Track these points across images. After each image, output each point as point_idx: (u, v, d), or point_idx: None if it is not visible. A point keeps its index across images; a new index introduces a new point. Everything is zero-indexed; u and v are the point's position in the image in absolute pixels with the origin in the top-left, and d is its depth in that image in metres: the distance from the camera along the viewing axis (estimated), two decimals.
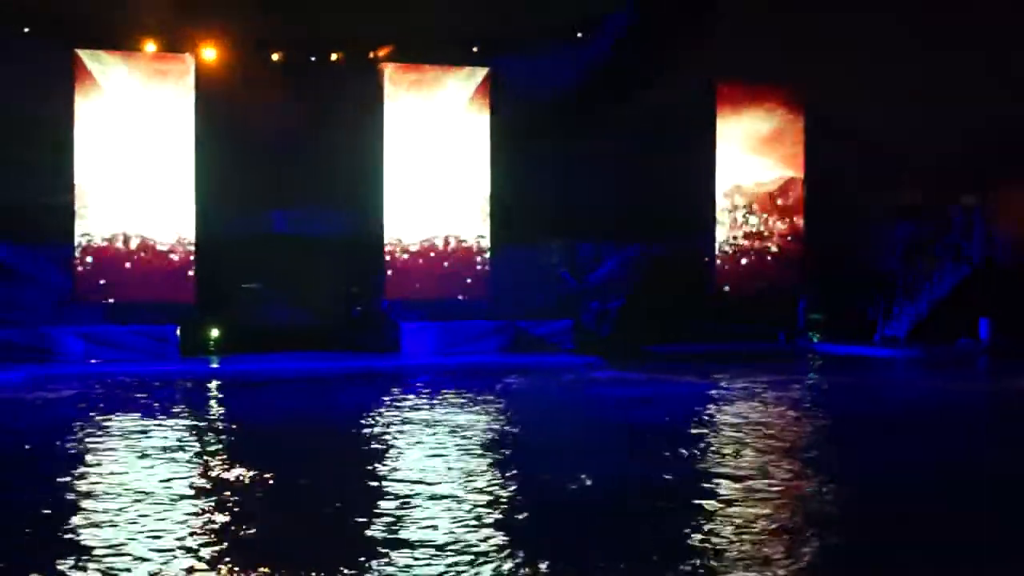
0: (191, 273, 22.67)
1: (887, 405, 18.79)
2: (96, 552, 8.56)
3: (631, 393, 18.92)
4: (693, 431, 14.97)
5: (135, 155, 22.29)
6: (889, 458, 12.97)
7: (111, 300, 22.65)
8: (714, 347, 24.46)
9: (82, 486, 11.12)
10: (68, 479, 11.44)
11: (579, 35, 24.96)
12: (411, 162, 23.61)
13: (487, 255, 23.90)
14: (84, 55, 22.05)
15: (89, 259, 22.14)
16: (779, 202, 25.78)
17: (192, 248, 22.66)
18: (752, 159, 25.56)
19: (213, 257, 23.66)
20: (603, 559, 8.46)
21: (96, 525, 9.50)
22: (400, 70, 23.67)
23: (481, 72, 23.88)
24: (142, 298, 22.62)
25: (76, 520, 9.66)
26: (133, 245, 22.28)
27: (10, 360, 21.33)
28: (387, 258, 23.56)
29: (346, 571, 8.05)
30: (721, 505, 10.21)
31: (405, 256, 23.62)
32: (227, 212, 23.95)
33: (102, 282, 22.24)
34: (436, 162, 23.68)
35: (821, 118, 25.37)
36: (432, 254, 23.72)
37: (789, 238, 25.81)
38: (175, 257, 22.51)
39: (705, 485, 11.12)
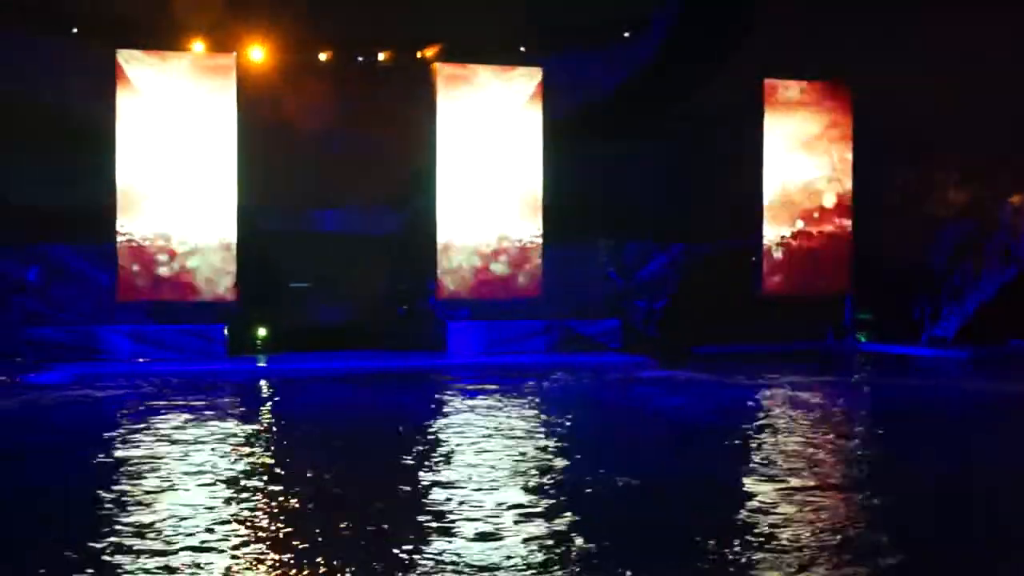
0: (233, 273, 22.53)
1: (937, 405, 18.58)
2: (139, 548, 8.57)
3: (678, 392, 18.86)
4: (741, 431, 14.85)
5: (176, 155, 22.27)
6: (939, 460, 12.83)
7: (153, 300, 22.59)
8: (761, 347, 24.28)
9: (128, 481, 11.17)
10: (115, 474, 11.49)
11: (626, 35, 24.87)
12: (463, 161, 23.51)
13: (540, 254, 23.76)
14: (125, 55, 22.08)
15: (131, 259, 22.10)
16: (826, 201, 25.60)
17: (233, 248, 22.49)
18: (799, 157, 25.39)
19: (260, 256, 23.70)
20: (645, 558, 8.40)
21: (139, 520, 9.56)
22: (453, 70, 23.60)
23: (534, 72, 23.80)
24: (184, 298, 22.56)
25: (121, 516, 9.71)
26: (175, 245, 22.22)
27: (59, 359, 21.40)
28: (439, 257, 23.39)
29: (393, 567, 8.05)
30: (771, 504, 10.12)
31: (457, 255, 23.47)
32: (274, 211, 24.04)
33: (144, 282, 22.17)
34: (489, 162, 23.58)
35: (869, 116, 25.16)
36: (485, 253, 23.61)
37: (836, 237, 25.62)
38: (217, 257, 22.42)
39: (753, 485, 11.05)
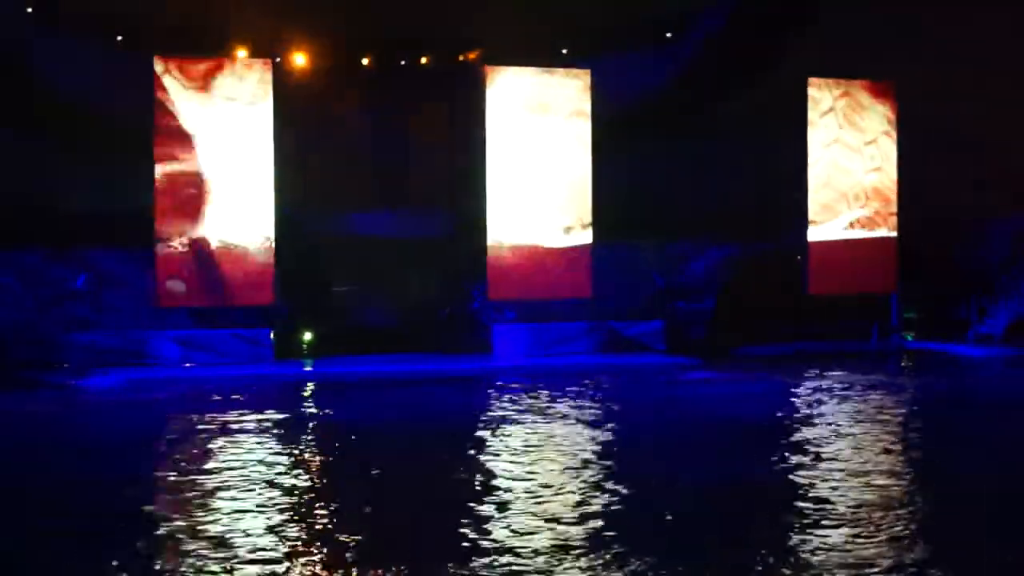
0: (272, 276, 22.58)
1: (989, 402, 18.44)
2: (187, 545, 8.72)
3: (724, 393, 18.83)
4: (787, 430, 14.82)
5: (215, 161, 22.31)
6: (992, 459, 12.71)
7: (194, 305, 22.68)
8: (806, 347, 24.20)
9: (178, 481, 11.29)
10: (164, 475, 11.57)
11: (668, 35, 24.81)
12: (512, 163, 23.47)
13: (589, 256, 23.71)
14: (163, 61, 22.12)
15: (170, 265, 22.14)
16: (871, 200, 25.46)
17: (273, 251, 22.55)
18: (844, 157, 25.25)
19: (305, 260, 23.81)
20: (694, 558, 8.39)
21: (197, 522, 9.67)
22: (503, 72, 23.57)
23: (582, 74, 23.77)
24: (224, 303, 22.64)
25: (167, 513, 9.87)
26: (214, 250, 22.30)
27: (106, 364, 21.55)
28: (488, 259, 23.37)
29: (444, 569, 8.05)
30: (819, 503, 10.13)
31: (507, 257, 23.46)
32: (319, 215, 24.13)
33: (184, 287, 22.23)
34: (538, 163, 23.54)
35: (916, 114, 24.98)
36: (535, 255, 23.57)
37: (882, 236, 25.45)
38: (257, 261, 22.50)
39: (799, 484, 11.04)
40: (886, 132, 25.48)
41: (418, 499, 10.72)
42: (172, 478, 11.68)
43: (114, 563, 8.36)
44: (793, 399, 18.08)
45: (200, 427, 15.18)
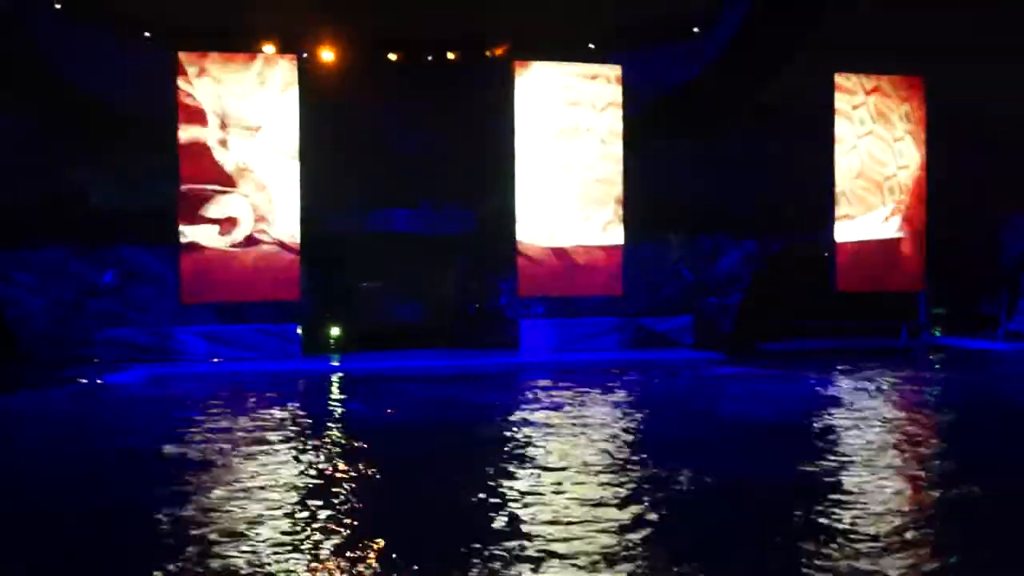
0: (298, 273, 22.55)
1: (1016, 399, 18.33)
2: (216, 544, 8.63)
3: (751, 388, 18.69)
4: (814, 426, 14.74)
5: (238, 157, 22.26)
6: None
7: (218, 301, 22.67)
8: (835, 343, 24.15)
9: (206, 479, 11.26)
10: (192, 473, 11.61)
11: (695, 30, 24.76)
12: (542, 159, 23.41)
13: (620, 252, 23.65)
14: (187, 57, 22.11)
15: (194, 261, 22.12)
16: (899, 196, 25.34)
17: (298, 248, 22.51)
18: (872, 152, 25.13)
19: (332, 257, 23.82)
20: (719, 553, 8.38)
21: (217, 511, 9.74)
22: (532, 67, 23.49)
23: (613, 69, 23.71)
24: (248, 299, 22.62)
25: (194, 512, 9.81)
26: (238, 246, 22.24)
27: (135, 359, 21.59)
28: (519, 256, 23.31)
29: (468, 565, 8.02)
30: (846, 499, 10.08)
31: (537, 253, 23.39)
32: (347, 212, 24.13)
33: (208, 284, 22.21)
34: (568, 159, 23.47)
35: (945, 110, 24.87)
36: (565, 251, 23.49)
37: (911, 232, 25.32)
38: (283, 257, 22.45)
39: (826, 480, 11.01)
40: (914, 128, 25.34)
41: (441, 497, 10.66)
42: (200, 472, 11.67)
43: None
44: (812, 394, 18.00)
45: (228, 422, 15.14)
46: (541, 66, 23.54)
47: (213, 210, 22.20)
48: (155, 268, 23.08)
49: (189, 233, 22.12)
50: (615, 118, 23.68)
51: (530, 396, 18.03)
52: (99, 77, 22.89)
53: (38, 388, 19.07)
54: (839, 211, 24.83)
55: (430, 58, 24.62)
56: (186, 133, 22.10)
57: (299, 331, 22.80)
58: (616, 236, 23.67)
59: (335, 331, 23.81)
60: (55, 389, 19.08)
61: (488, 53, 24.65)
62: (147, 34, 23.31)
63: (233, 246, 22.25)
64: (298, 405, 17.56)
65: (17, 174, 22.54)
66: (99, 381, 20.02)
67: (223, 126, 22.19)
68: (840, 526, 9.13)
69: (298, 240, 22.51)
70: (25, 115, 22.93)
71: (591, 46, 24.36)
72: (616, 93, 23.67)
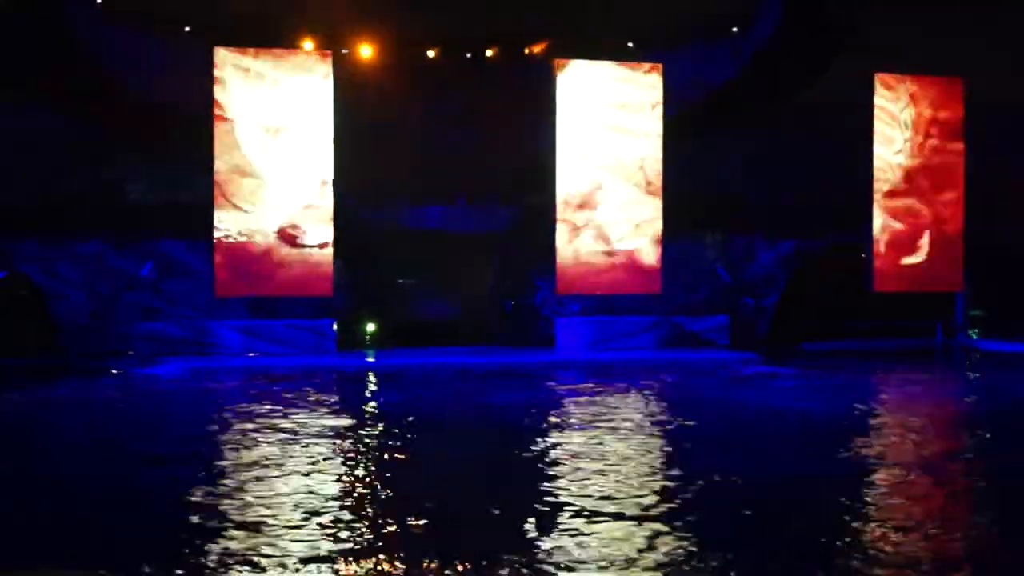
0: (332, 268, 22.57)
1: None
2: (241, 541, 8.63)
3: (787, 389, 18.62)
4: (849, 427, 14.67)
5: (273, 152, 22.29)
6: None
7: (251, 296, 22.72)
8: (871, 344, 24.06)
9: (237, 472, 11.32)
10: (223, 464, 11.75)
11: (734, 29, 24.71)
12: (582, 157, 23.37)
13: (659, 251, 23.60)
14: (224, 52, 22.18)
15: (228, 255, 22.19)
16: (939, 196, 25.17)
17: (332, 244, 22.53)
18: (911, 152, 24.99)
19: (368, 253, 23.88)
20: (759, 556, 8.30)
21: (247, 505, 9.76)
22: (572, 65, 23.46)
23: (652, 68, 23.65)
24: (281, 294, 22.65)
25: (223, 503, 9.86)
26: (272, 241, 22.27)
27: (171, 353, 21.68)
28: (557, 254, 23.28)
29: (507, 562, 7.99)
30: (878, 503, 10.04)
31: (575, 251, 23.35)
32: (383, 208, 24.19)
33: (242, 278, 22.27)
34: (608, 157, 23.41)
35: (983, 111, 24.72)
36: (604, 250, 23.45)
37: (948, 233, 25.16)
38: (317, 253, 22.46)
39: (862, 482, 10.94)
40: (953, 128, 25.18)
41: (478, 491, 10.67)
42: (233, 463, 11.73)
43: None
44: (848, 396, 17.89)
45: (263, 415, 15.19)
46: (581, 64, 23.50)
47: (247, 205, 22.23)
48: (192, 262, 23.18)
49: (223, 227, 22.15)
50: (655, 117, 23.61)
51: (565, 393, 18.03)
52: (138, 72, 22.99)
53: (80, 379, 19.22)
54: (877, 211, 24.71)
55: (468, 55, 24.62)
56: (222, 128, 22.15)
57: (335, 327, 22.84)
58: (655, 235, 23.61)
59: (370, 327, 23.86)
60: (97, 380, 19.24)
61: (526, 51, 24.64)
62: (186, 29, 23.34)
63: (266, 241, 22.27)
64: (336, 399, 17.63)
65: (59, 169, 22.70)
66: (138, 373, 20.17)
67: (259, 121, 22.23)
68: (870, 526, 9.10)
69: (331, 236, 22.52)
70: (66, 110, 23.02)
71: (629, 45, 24.29)
72: (656, 92, 23.59)
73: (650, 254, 23.57)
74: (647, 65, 23.69)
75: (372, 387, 19.38)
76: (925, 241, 24.93)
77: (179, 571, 7.76)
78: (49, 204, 22.54)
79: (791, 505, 10.04)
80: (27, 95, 22.57)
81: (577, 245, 23.29)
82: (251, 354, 22.27)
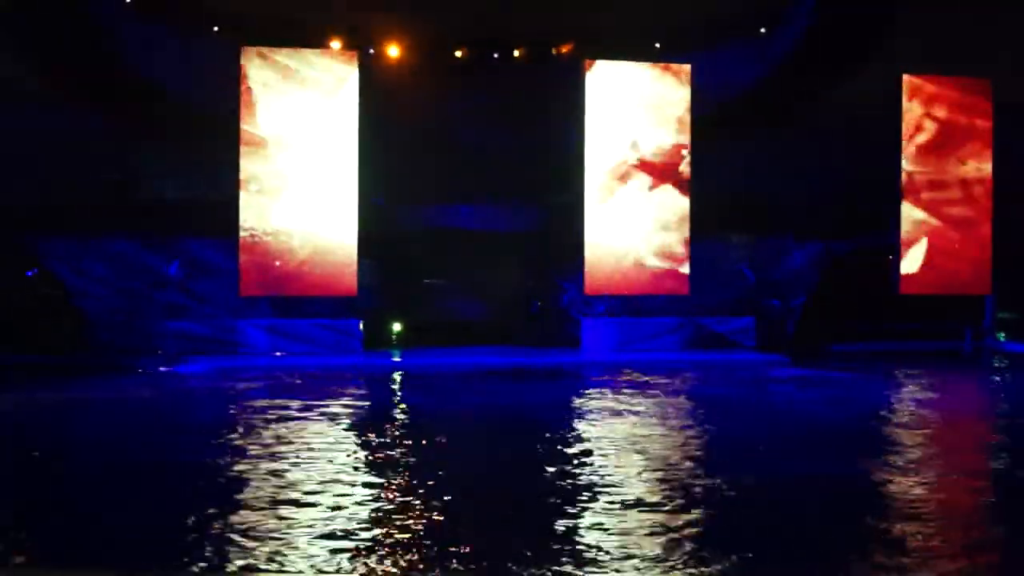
0: (354, 267, 22.58)
1: None
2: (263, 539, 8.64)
3: (815, 391, 18.57)
4: (875, 429, 14.65)
5: (298, 151, 22.36)
6: None
7: (275, 294, 22.74)
8: (898, 346, 23.96)
9: (262, 465, 11.38)
10: (252, 456, 11.83)
11: (762, 30, 24.62)
12: (611, 157, 23.38)
13: (687, 252, 23.57)
14: (250, 51, 22.25)
15: (253, 254, 22.26)
16: (966, 198, 25.05)
17: (356, 243, 22.55)
18: (939, 154, 24.88)
19: (395, 252, 23.91)
20: (776, 556, 8.31)
21: (276, 500, 9.82)
22: (600, 65, 23.45)
23: (680, 68, 23.60)
24: (306, 293, 22.67)
25: (248, 501, 9.89)
26: (296, 240, 22.32)
27: (197, 351, 21.74)
28: (586, 254, 23.26)
29: (527, 563, 7.99)
30: (905, 505, 10.00)
31: (604, 252, 23.33)
32: (408, 208, 24.22)
33: (266, 277, 22.31)
34: (637, 157, 23.40)
35: (1014, 112, 24.60)
36: (632, 250, 23.42)
37: (976, 235, 25.05)
38: (341, 252, 22.49)
39: (886, 484, 10.88)
40: (982, 129, 25.06)
41: (502, 491, 10.67)
42: (257, 462, 11.76)
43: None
44: (874, 398, 17.90)
45: (288, 413, 15.26)
46: (609, 64, 23.48)
47: (272, 204, 22.27)
48: (218, 261, 23.23)
49: (248, 226, 22.22)
50: (683, 117, 23.58)
51: (591, 394, 18.01)
52: (167, 70, 23.08)
53: (108, 377, 19.31)
54: (905, 213, 24.62)
55: (496, 55, 24.60)
56: (248, 126, 22.19)
57: (361, 326, 22.86)
58: (683, 236, 23.56)
59: (396, 327, 23.89)
60: (125, 379, 19.34)
61: (554, 51, 24.61)
62: (215, 28, 23.40)
63: (291, 241, 22.31)
64: (361, 398, 17.71)
65: (88, 166, 22.76)
66: (165, 372, 20.26)
67: (285, 120, 22.28)
68: (899, 529, 9.06)
69: (355, 235, 22.53)
70: (95, 108, 23.10)
71: (656, 45, 24.23)
72: (685, 92, 23.57)
73: (679, 255, 23.53)
74: (675, 65, 23.65)
75: (398, 386, 19.39)
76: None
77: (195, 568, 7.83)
78: (77, 202, 22.61)
79: (815, 505, 10.04)
80: (57, 93, 22.64)
81: (605, 245, 23.26)
82: (277, 353, 22.30)
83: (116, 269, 22.91)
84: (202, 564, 7.94)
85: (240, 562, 8.02)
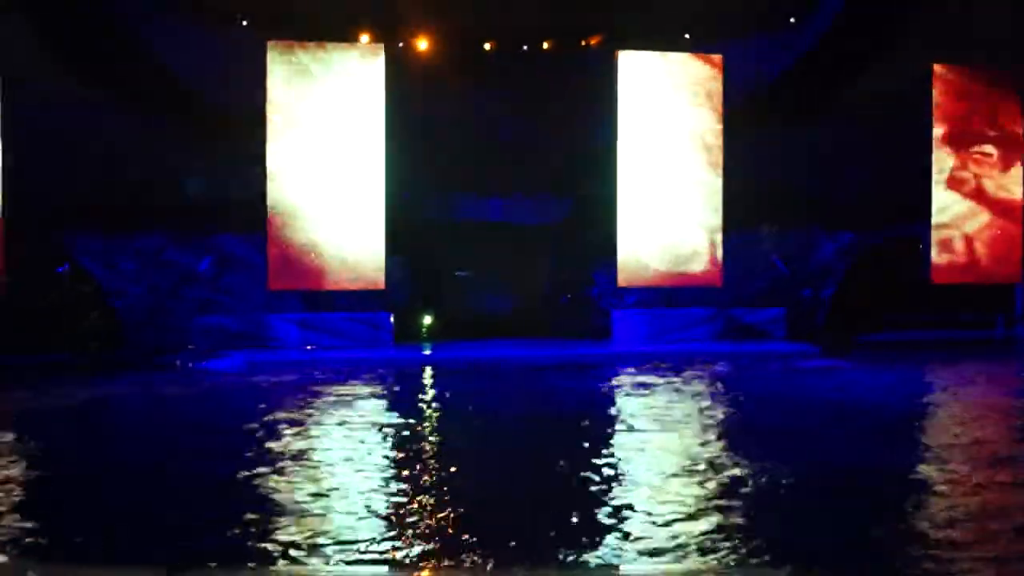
0: (382, 261, 22.57)
1: None
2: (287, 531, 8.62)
3: (845, 382, 18.47)
4: (906, 420, 14.56)
5: (326, 145, 22.35)
6: None
7: (305, 288, 22.75)
8: (929, 336, 23.84)
9: (287, 456, 11.41)
10: (276, 448, 11.94)
11: (792, 20, 24.54)
12: (643, 149, 23.26)
13: (720, 243, 23.48)
14: (278, 46, 22.24)
15: (281, 248, 22.26)
16: (997, 187, 24.92)
17: (383, 236, 22.53)
18: (970, 145, 24.74)
19: (424, 245, 23.94)
20: (806, 548, 8.23)
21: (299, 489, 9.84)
22: (630, 57, 23.32)
23: (712, 59, 23.50)
24: (334, 287, 22.67)
25: (275, 483, 10.04)
26: (324, 234, 22.31)
27: (229, 346, 21.78)
28: (619, 245, 23.18)
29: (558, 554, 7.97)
30: (937, 497, 9.93)
31: (636, 244, 23.25)
32: (437, 201, 24.23)
33: (296, 270, 22.32)
34: (669, 149, 23.31)
35: None
36: (664, 243, 23.34)
37: (1007, 224, 24.91)
38: (370, 245, 22.49)
39: (918, 476, 10.83)
40: (1010, 120, 24.92)
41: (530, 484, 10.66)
42: (285, 454, 11.80)
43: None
44: (906, 388, 17.82)
45: (318, 406, 15.31)
46: (640, 55, 23.39)
47: (301, 198, 22.29)
48: (248, 256, 23.30)
49: (276, 221, 22.23)
50: (715, 108, 23.49)
51: (623, 385, 17.99)
52: (195, 65, 23.14)
53: (141, 373, 19.39)
54: (935, 202, 24.50)
55: (525, 47, 24.59)
56: (275, 121, 22.22)
57: (391, 320, 22.87)
58: (716, 226, 23.48)
59: (427, 320, 23.92)
60: (157, 375, 19.40)
61: (584, 43, 24.58)
62: (243, 23, 23.45)
63: (319, 235, 22.32)
64: (393, 390, 17.76)
65: (118, 163, 22.81)
66: (197, 367, 20.34)
67: (312, 115, 22.29)
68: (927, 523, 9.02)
69: (383, 229, 22.53)
70: (124, 106, 23.18)
71: (687, 36, 24.18)
72: (716, 83, 23.47)
73: (711, 246, 23.47)
74: (707, 55, 23.55)
75: (429, 379, 19.41)
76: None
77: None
78: (108, 199, 22.68)
79: (849, 496, 9.97)
80: (87, 91, 22.72)
81: (637, 237, 23.21)
82: (308, 347, 22.33)
83: (146, 266, 23.00)
84: (229, 560, 7.94)
85: (271, 552, 8.05)
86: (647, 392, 16.94)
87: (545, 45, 24.60)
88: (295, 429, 13.43)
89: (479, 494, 9.88)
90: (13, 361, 19.87)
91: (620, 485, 10.28)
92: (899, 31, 23.79)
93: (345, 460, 11.35)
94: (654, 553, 8.02)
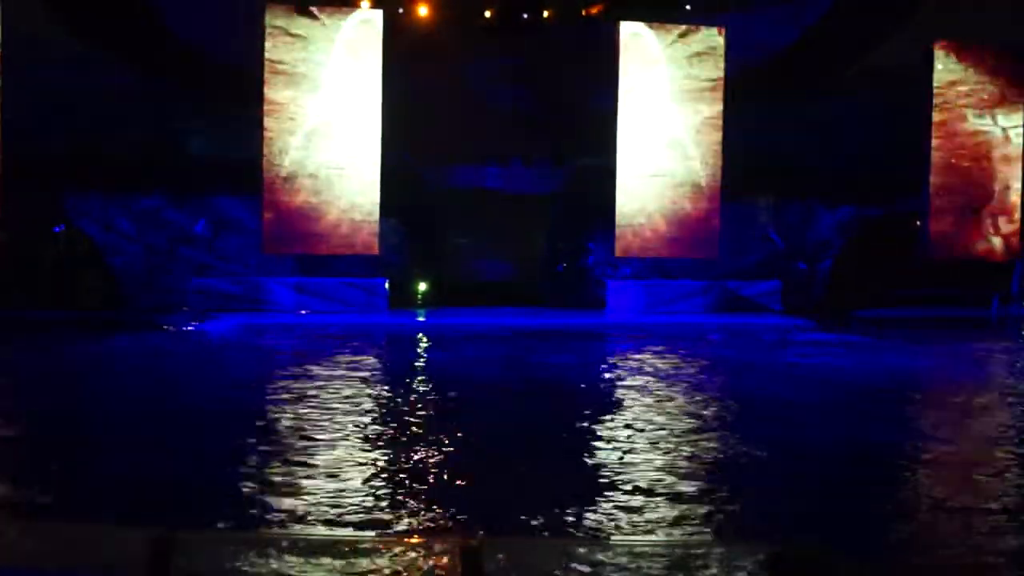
0: (376, 226, 22.54)
1: None
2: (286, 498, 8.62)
3: (837, 355, 18.49)
4: (897, 395, 14.63)
5: (321, 110, 22.29)
6: None
7: (300, 252, 22.76)
8: (924, 312, 23.78)
9: (281, 431, 11.35)
10: (275, 414, 11.97)
11: None
12: (643, 120, 23.20)
13: (717, 214, 23.44)
14: (276, 9, 22.19)
15: (276, 211, 22.24)
16: (996, 164, 24.87)
17: (378, 201, 22.50)
18: (968, 121, 24.66)
19: (421, 212, 23.92)
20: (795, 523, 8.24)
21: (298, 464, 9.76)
22: (631, 27, 23.24)
23: (713, 30, 23.40)
24: (329, 251, 22.66)
25: (269, 461, 9.92)
26: (320, 198, 22.29)
27: (224, 309, 21.83)
28: (617, 216, 23.14)
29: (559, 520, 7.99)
30: (927, 472, 10.03)
31: (633, 214, 23.22)
32: (436, 168, 24.20)
33: (291, 234, 22.32)
34: (669, 121, 23.24)
35: None
36: (662, 213, 23.29)
37: (1004, 201, 24.88)
38: (364, 210, 22.46)
39: (908, 450, 10.90)
40: (1012, 96, 24.84)
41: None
42: (275, 416, 11.85)
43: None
44: (898, 363, 17.82)
45: (312, 371, 15.31)
46: (640, 26, 23.30)
47: (297, 161, 22.27)
48: (244, 219, 23.29)
49: (272, 184, 22.22)
50: (715, 80, 23.39)
51: (616, 356, 18.02)
52: (197, 28, 23.07)
53: (135, 334, 19.44)
54: (934, 178, 24.44)
55: (525, 16, 24.50)
56: (273, 84, 22.18)
57: (387, 286, 22.89)
58: (713, 198, 23.44)
59: (422, 286, 23.95)
60: (151, 335, 19.46)
61: (584, 12, 24.49)
62: None
63: (315, 198, 22.30)
64: (385, 357, 17.81)
65: (119, 123, 22.80)
66: (191, 329, 20.40)
67: (310, 78, 22.25)
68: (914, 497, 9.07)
69: (379, 194, 22.50)
70: (127, 65, 23.17)
71: (688, 8, 24.08)
72: (717, 54, 23.37)
73: (709, 218, 23.43)
74: (708, 28, 23.45)
75: (422, 346, 19.45)
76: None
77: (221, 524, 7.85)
78: (106, 159, 22.68)
79: (845, 470, 10.03)
80: (88, 50, 22.69)
81: (635, 207, 23.17)
82: (303, 311, 22.37)
83: (143, 226, 23.01)
84: (226, 520, 7.94)
85: (268, 516, 8.06)
86: (635, 364, 16.93)
87: (545, 14, 24.51)
88: (281, 393, 13.50)
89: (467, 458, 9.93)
90: (11, 315, 19.99)
91: (609, 448, 10.36)
92: (903, 7, 23.65)
93: (335, 428, 11.32)
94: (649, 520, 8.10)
